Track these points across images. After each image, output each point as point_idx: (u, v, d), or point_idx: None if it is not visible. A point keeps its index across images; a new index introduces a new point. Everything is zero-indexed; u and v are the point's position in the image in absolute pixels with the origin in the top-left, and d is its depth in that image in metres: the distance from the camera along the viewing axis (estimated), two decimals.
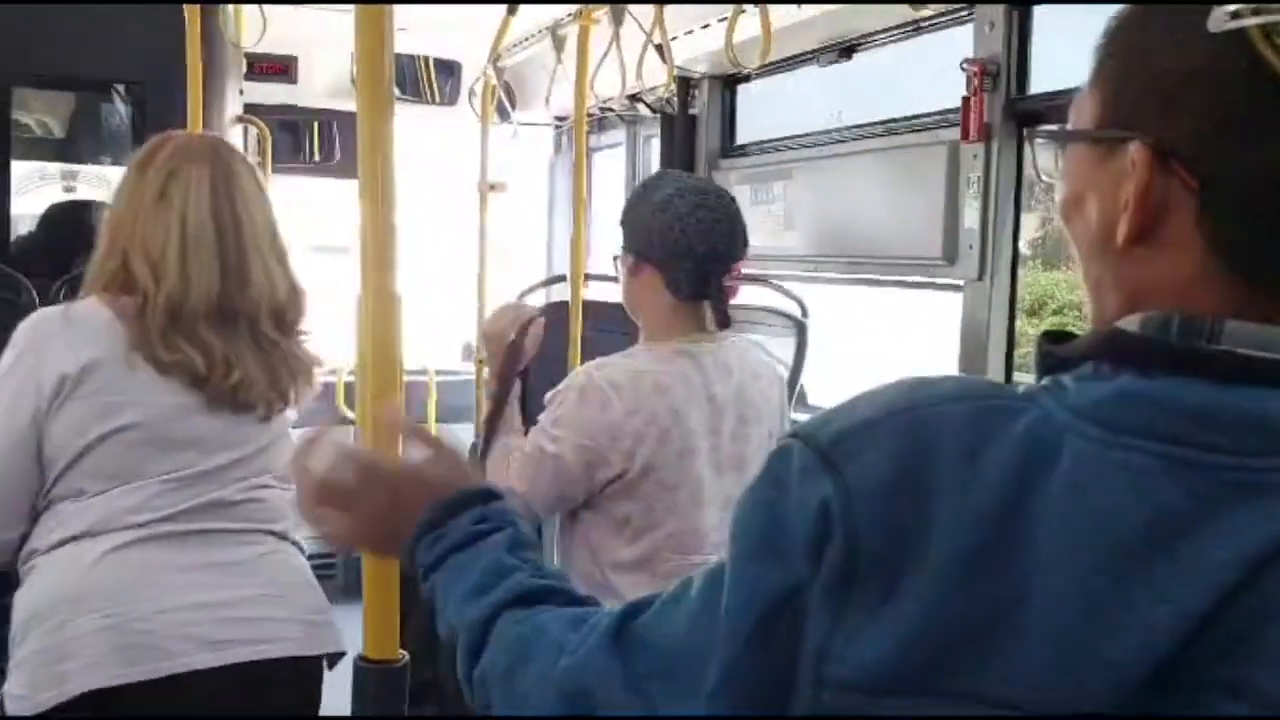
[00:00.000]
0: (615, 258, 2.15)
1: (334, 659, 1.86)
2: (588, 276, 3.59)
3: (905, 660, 0.65)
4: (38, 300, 3.13)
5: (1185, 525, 0.63)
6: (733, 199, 2.10)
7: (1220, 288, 0.67)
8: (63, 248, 3.61)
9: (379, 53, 1.25)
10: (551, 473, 1.94)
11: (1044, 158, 0.78)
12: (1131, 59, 0.69)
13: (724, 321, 2.07)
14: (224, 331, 1.79)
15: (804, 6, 3.13)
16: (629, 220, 2.06)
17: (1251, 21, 0.60)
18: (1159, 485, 0.64)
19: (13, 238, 3.80)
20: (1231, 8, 0.61)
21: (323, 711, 1.87)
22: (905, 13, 3.02)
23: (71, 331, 1.73)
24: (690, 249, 1.96)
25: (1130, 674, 0.62)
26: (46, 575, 1.69)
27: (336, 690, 1.76)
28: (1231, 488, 0.63)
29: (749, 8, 2.82)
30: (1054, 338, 0.73)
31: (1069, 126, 0.74)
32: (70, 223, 3.97)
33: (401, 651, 1.19)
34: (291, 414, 1.94)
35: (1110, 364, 0.68)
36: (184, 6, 3.04)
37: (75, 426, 1.70)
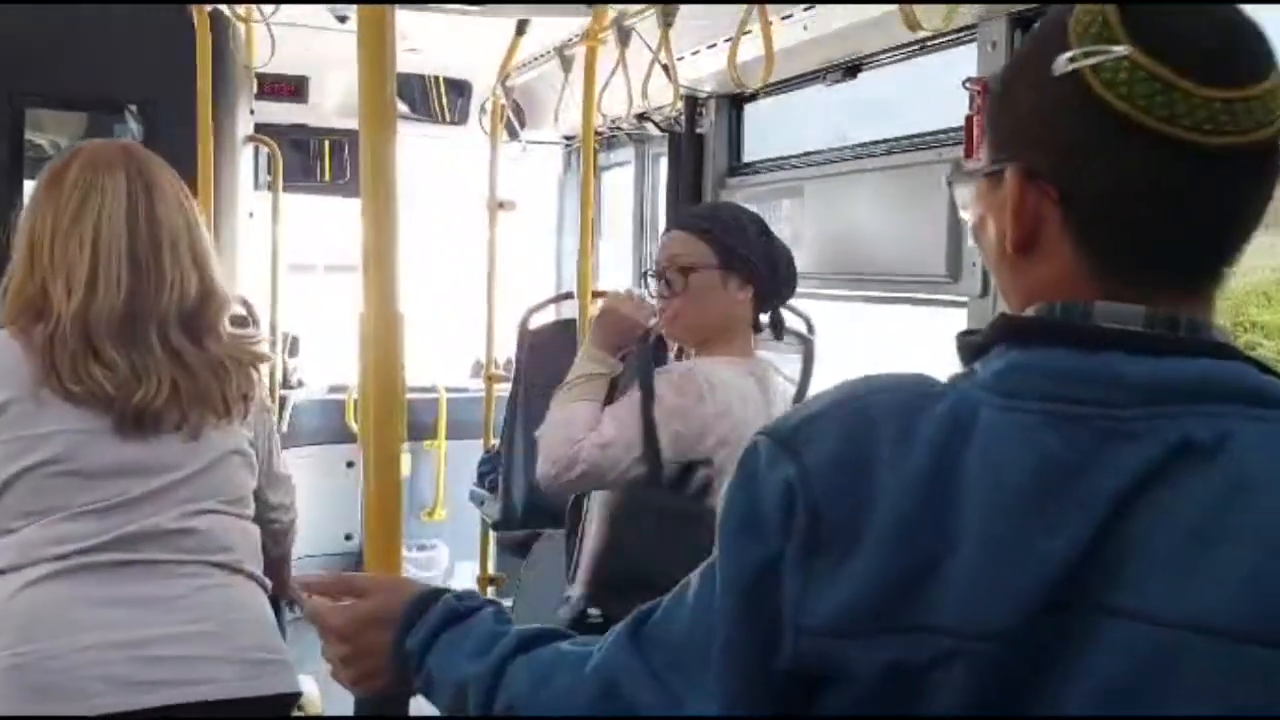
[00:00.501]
0: (645, 274, 2.29)
1: (286, 701, 1.72)
2: (595, 293, 3.61)
3: (862, 607, 0.78)
4: None
5: (1067, 470, 0.76)
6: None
7: (1091, 282, 0.81)
8: None
9: (380, 70, 1.27)
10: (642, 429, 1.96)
11: (960, 195, 0.94)
12: (1004, 103, 0.86)
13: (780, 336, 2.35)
14: (133, 344, 1.70)
15: (809, 27, 3.16)
16: (730, 239, 2.13)
17: (1084, 63, 0.77)
18: (1043, 437, 0.77)
19: None
20: (1069, 54, 0.78)
21: None
22: (909, 32, 3.04)
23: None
24: (789, 282, 2.22)
25: (1031, 599, 0.74)
26: None
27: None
28: (1102, 435, 0.76)
29: (753, 28, 2.85)
30: (966, 334, 0.89)
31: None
32: None
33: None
34: (240, 428, 1.80)
35: (1005, 346, 0.83)
36: (195, 26, 3.08)
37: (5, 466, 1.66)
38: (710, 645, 0.84)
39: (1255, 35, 0.79)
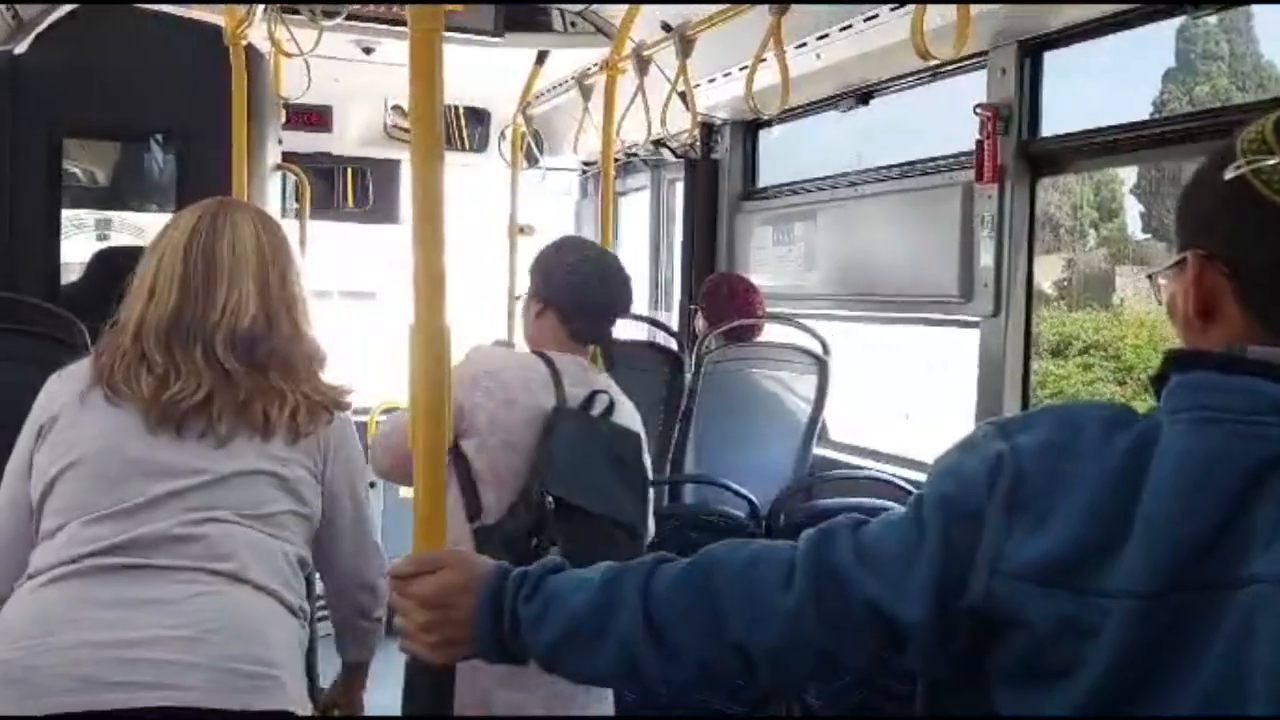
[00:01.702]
0: (517, 298, 2.52)
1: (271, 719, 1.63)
2: None
3: (1052, 562, 0.96)
4: (89, 341, 3.25)
5: (1205, 465, 0.93)
6: (624, 268, 2.52)
7: (1256, 339, 0.98)
8: (111, 291, 3.75)
9: (430, 99, 1.35)
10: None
11: (1160, 281, 1.11)
12: (1188, 206, 1.05)
13: (609, 364, 2.57)
14: (175, 349, 1.76)
15: (822, 56, 3.25)
16: (544, 274, 2.45)
17: (1247, 169, 0.96)
18: (1189, 440, 0.95)
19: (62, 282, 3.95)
20: (1236, 164, 0.97)
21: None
22: (920, 60, 3.13)
23: (58, 383, 1.80)
24: (593, 306, 2.40)
25: (1170, 571, 0.91)
26: None
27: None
28: (1234, 436, 0.93)
29: (768, 57, 2.94)
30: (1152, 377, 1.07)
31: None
32: (118, 267, 4.10)
33: None
34: (285, 452, 1.78)
35: (1174, 374, 1.01)
36: (230, 58, 3.18)
37: (42, 469, 1.72)
38: (915, 566, 1.03)
39: None
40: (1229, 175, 0.97)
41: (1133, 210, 14.10)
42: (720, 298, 3.81)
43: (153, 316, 1.79)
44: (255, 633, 1.65)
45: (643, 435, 2.44)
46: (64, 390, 1.78)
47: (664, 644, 1.12)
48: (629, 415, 2.45)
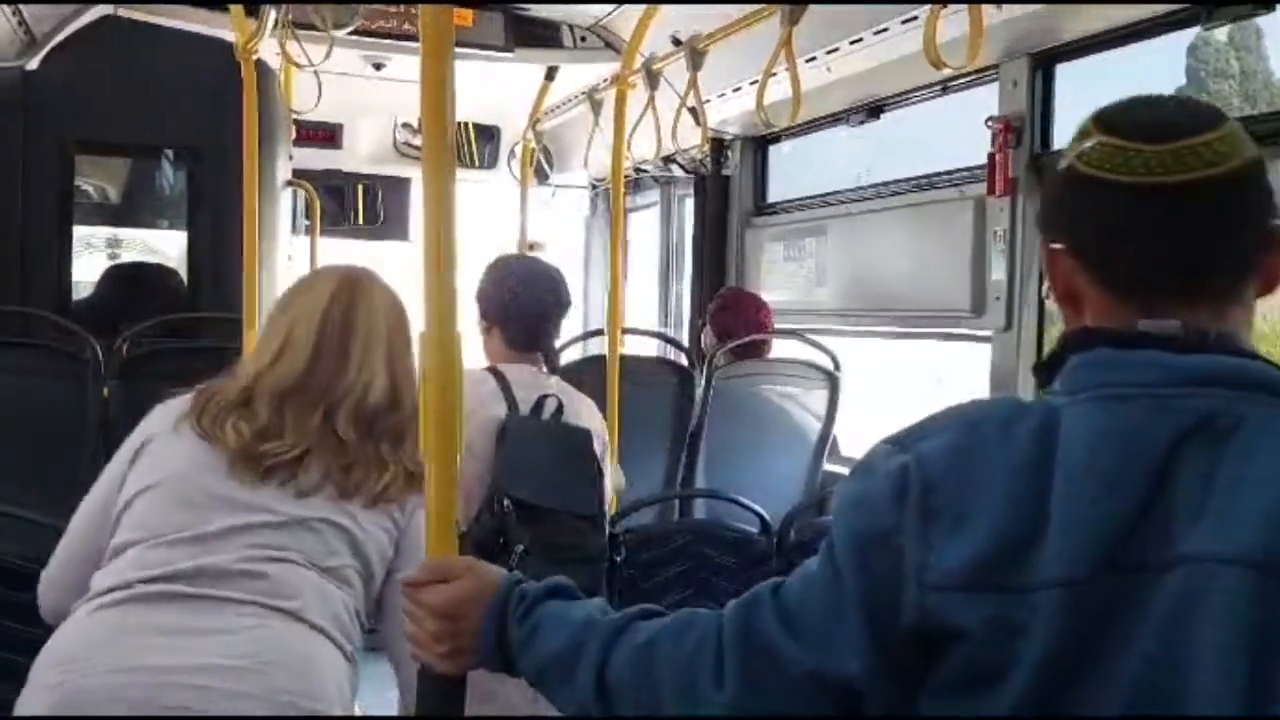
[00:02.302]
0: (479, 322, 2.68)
1: None
2: (624, 330, 3.68)
3: (975, 565, 0.92)
4: (99, 355, 3.26)
5: (1120, 440, 0.92)
6: (556, 272, 2.68)
7: (1117, 311, 1.00)
8: (122, 307, 3.76)
9: (441, 114, 1.34)
10: None
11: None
12: (1040, 207, 1.10)
13: (553, 367, 2.65)
14: (291, 411, 1.77)
15: (833, 69, 3.25)
16: (480, 296, 2.62)
17: (1072, 155, 1.01)
18: (1100, 417, 0.94)
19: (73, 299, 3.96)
20: (1066, 157, 1.02)
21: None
22: (932, 73, 3.13)
23: (160, 411, 1.83)
24: (522, 312, 2.55)
25: (1101, 552, 0.89)
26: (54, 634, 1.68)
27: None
28: (1145, 410, 0.93)
29: (778, 71, 2.94)
30: (1037, 364, 1.07)
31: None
32: (128, 283, 4.13)
33: None
34: (360, 513, 1.77)
35: (1071, 354, 1.00)
36: (242, 74, 3.19)
37: (127, 490, 1.76)
38: (842, 610, 0.98)
39: (1186, 108, 1.02)
40: (1060, 167, 1.03)
41: None
42: (730, 313, 3.80)
43: (274, 378, 1.80)
44: (309, 670, 1.64)
45: (595, 429, 2.58)
46: (162, 418, 1.80)
47: (612, 713, 1.12)
48: (585, 411, 2.59)
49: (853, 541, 0.98)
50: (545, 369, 2.62)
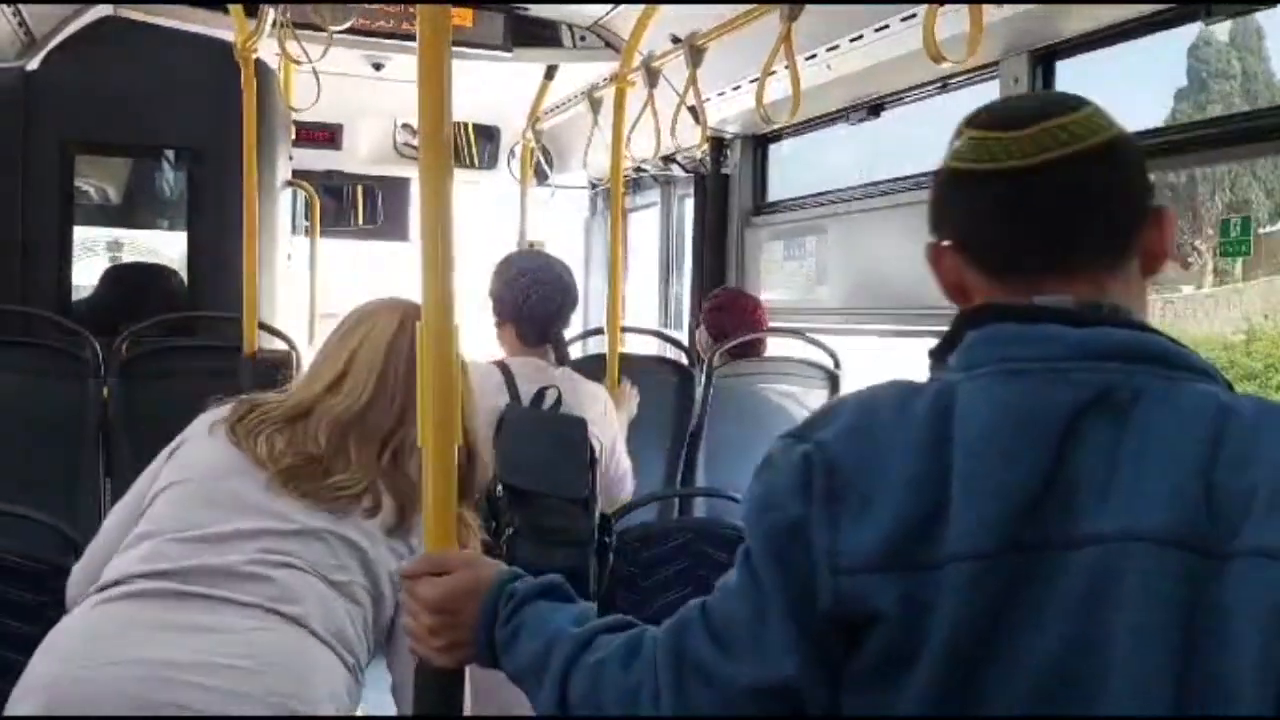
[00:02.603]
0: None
1: None
2: (624, 329, 3.68)
3: (883, 545, 0.92)
4: (101, 356, 3.26)
5: (1018, 412, 0.93)
6: (564, 269, 2.85)
7: (1003, 292, 1.03)
8: (122, 307, 3.76)
9: (439, 114, 1.34)
10: None
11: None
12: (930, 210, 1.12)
13: (562, 359, 2.82)
14: (353, 444, 1.78)
15: (832, 67, 3.25)
16: (493, 293, 2.79)
17: (947, 154, 1.06)
18: (998, 391, 0.94)
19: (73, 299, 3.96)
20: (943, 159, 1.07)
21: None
22: (932, 70, 3.13)
23: (199, 419, 1.85)
24: (532, 313, 2.72)
25: (1004, 525, 0.89)
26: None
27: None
28: (1044, 382, 0.93)
29: (778, 69, 2.94)
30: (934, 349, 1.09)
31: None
32: (128, 283, 4.13)
33: None
34: (379, 535, 1.77)
35: (966, 331, 1.01)
36: (241, 74, 3.20)
37: (156, 486, 1.78)
38: (765, 611, 0.97)
39: (1045, 99, 1.12)
40: (938, 168, 1.08)
41: None
42: (726, 313, 3.80)
43: (332, 407, 1.80)
44: (305, 675, 1.63)
45: (598, 413, 2.72)
46: (201, 422, 1.84)
47: None
48: (587, 399, 2.73)
49: (766, 540, 0.98)
50: (554, 361, 2.77)
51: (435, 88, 1.35)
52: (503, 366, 2.70)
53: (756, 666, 0.97)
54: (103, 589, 1.68)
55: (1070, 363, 0.94)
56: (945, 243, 1.07)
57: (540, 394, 2.61)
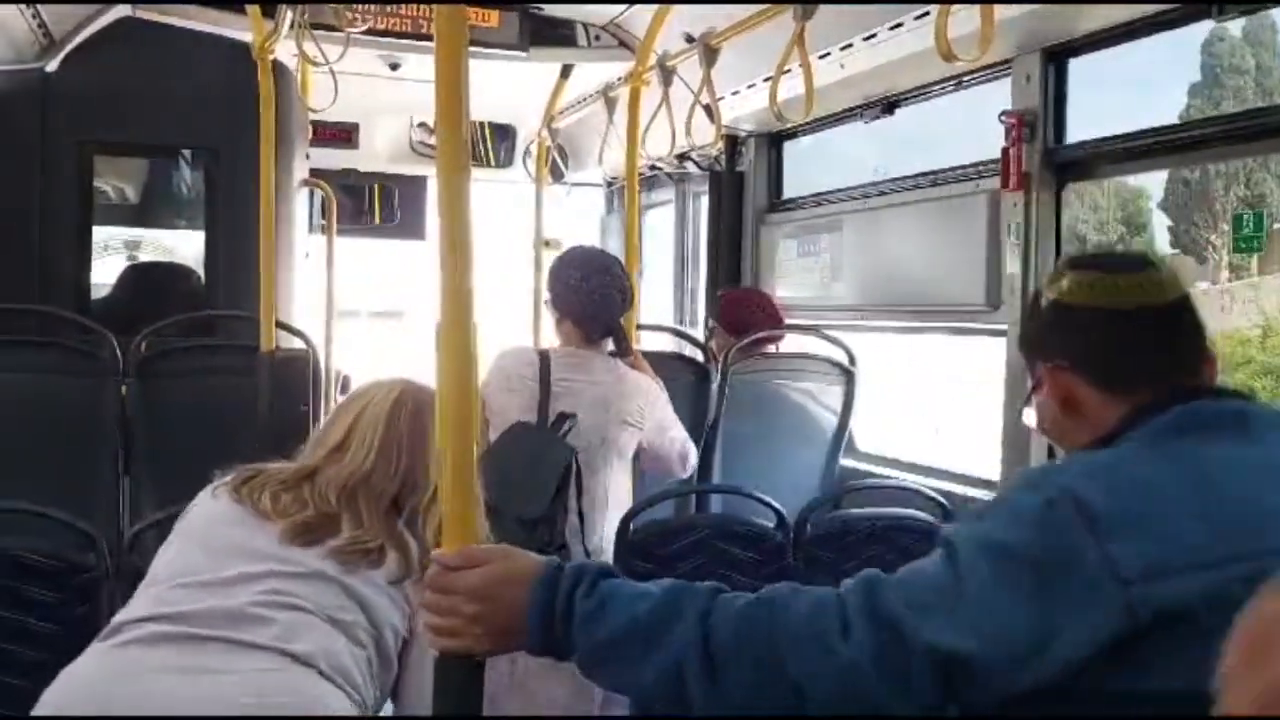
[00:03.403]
0: (545, 300, 2.98)
1: None
2: (639, 326, 3.69)
3: (1168, 556, 1.07)
4: (119, 353, 3.29)
5: (1250, 461, 1.14)
6: (621, 268, 2.95)
7: (1122, 406, 1.23)
8: (140, 306, 3.79)
9: (456, 113, 1.35)
10: None
11: (1031, 406, 1.36)
12: (1027, 337, 1.34)
13: (624, 353, 2.95)
14: (363, 503, 1.86)
15: (846, 65, 3.25)
16: (551, 289, 2.91)
17: (1051, 292, 1.27)
18: (1213, 449, 1.15)
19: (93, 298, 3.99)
20: (1046, 293, 1.28)
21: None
22: (945, 68, 3.13)
23: (203, 491, 1.92)
24: (596, 310, 2.83)
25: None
26: None
27: None
28: (1234, 440, 1.16)
29: (792, 67, 2.94)
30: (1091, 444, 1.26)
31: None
32: (146, 282, 4.16)
33: None
34: (379, 578, 1.80)
35: (1172, 409, 1.21)
36: (259, 71, 3.21)
37: (164, 546, 1.87)
38: (1008, 610, 1.09)
39: (1129, 254, 1.37)
40: (1043, 303, 1.28)
41: (1160, 225, 14.04)
42: (743, 309, 3.80)
43: (339, 470, 1.89)
44: (316, 710, 1.65)
45: (635, 407, 2.82)
46: (204, 490, 1.91)
47: (716, 670, 1.14)
48: (629, 388, 2.83)
49: (1014, 555, 1.09)
50: (618, 354, 2.91)
51: (453, 87, 1.35)
52: (543, 355, 2.84)
53: (974, 636, 1.08)
54: (110, 635, 1.70)
55: (1266, 430, 1.18)
56: (1059, 365, 1.25)
57: (562, 418, 2.73)
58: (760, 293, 4.00)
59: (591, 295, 2.84)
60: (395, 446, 1.93)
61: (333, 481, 1.88)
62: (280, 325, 3.45)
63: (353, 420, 1.96)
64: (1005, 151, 2.88)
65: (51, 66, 3.76)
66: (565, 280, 2.87)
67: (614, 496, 2.85)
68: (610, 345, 2.90)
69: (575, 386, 2.82)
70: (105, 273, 4.22)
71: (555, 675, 2.64)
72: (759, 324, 3.72)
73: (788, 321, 3.88)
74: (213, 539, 1.80)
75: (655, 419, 2.93)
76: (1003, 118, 2.89)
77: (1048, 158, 2.84)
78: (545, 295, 2.98)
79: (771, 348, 3.80)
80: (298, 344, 3.51)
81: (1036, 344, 1.29)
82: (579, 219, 5.68)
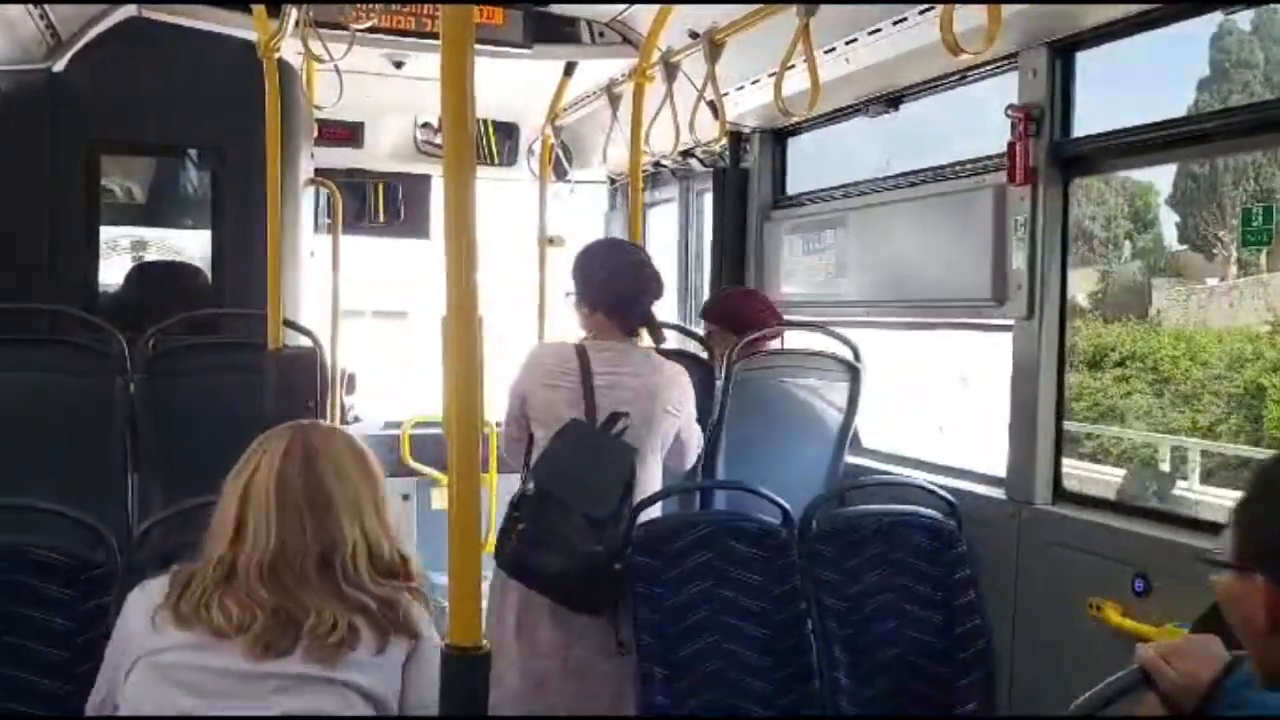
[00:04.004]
0: (568, 294, 3.03)
1: None
2: None
3: None
4: (126, 351, 3.30)
5: None
6: (647, 258, 3.06)
7: None
8: (147, 304, 3.81)
9: (462, 113, 1.36)
10: None
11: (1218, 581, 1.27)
12: (1249, 527, 1.22)
13: (659, 340, 3.05)
14: (289, 583, 1.75)
15: (850, 60, 3.25)
16: (579, 281, 2.95)
17: None
18: None
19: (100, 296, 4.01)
20: None
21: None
22: (950, 63, 3.13)
23: (131, 612, 1.81)
24: (632, 303, 2.90)
25: None
26: None
27: None
28: None
29: (796, 62, 2.94)
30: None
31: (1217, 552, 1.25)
32: (153, 281, 4.18)
33: (484, 641, 1.31)
34: (364, 654, 1.75)
35: None
36: (264, 70, 3.22)
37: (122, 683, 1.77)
38: None
39: None
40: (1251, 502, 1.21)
41: (1168, 221, 14.00)
42: (745, 309, 3.81)
43: (248, 561, 1.76)
44: None
45: (675, 395, 2.91)
46: (137, 616, 1.79)
47: None
48: (668, 377, 2.91)
49: None
50: (641, 342, 2.96)
51: (458, 85, 1.37)
52: (580, 350, 2.87)
53: None
54: None
55: None
56: (1258, 578, 1.18)
57: (614, 417, 2.78)
58: (758, 292, 4.01)
59: (628, 286, 2.89)
60: (294, 512, 1.79)
61: (251, 574, 1.75)
62: (287, 323, 3.46)
63: (240, 499, 1.81)
64: (1011, 146, 2.88)
65: (59, 66, 3.77)
66: (596, 272, 2.92)
67: (654, 487, 2.94)
68: (641, 336, 2.97)
69: (620, 379, 2.87)
70: (113, 272, 4.23)
71: (608, 664, 2.79)
72: (763, 322, 3.72)
73: (793, 318, 3.88)
74: (189, 679, 1.71)
75: (688, 408, 3.00)
76: (1009, 112, 2.89)
77: (1054, 152, 2.84)
78: (570, 289, 2.99)
79: (774, 344, 3.80)
80: (304, 342, 3.52)
81: (1263, 547, 1.20)
82: (581, 217, 5.68)
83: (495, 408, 2.93)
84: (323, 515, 1.79)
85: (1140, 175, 13.87)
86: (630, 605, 2.80)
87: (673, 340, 4.37)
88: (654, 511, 2.98)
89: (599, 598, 2.77)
